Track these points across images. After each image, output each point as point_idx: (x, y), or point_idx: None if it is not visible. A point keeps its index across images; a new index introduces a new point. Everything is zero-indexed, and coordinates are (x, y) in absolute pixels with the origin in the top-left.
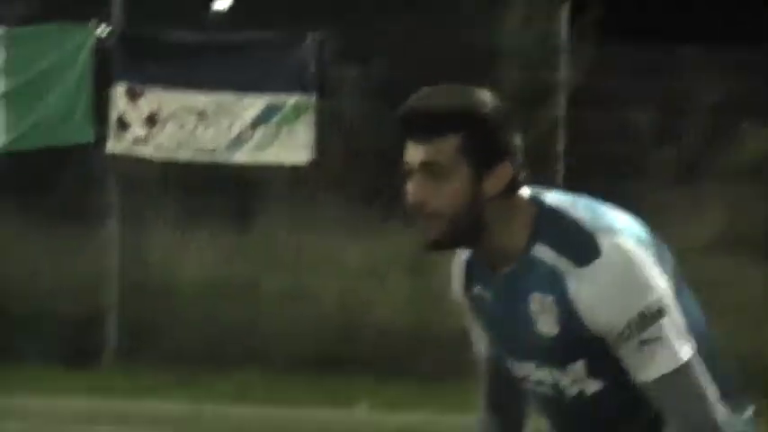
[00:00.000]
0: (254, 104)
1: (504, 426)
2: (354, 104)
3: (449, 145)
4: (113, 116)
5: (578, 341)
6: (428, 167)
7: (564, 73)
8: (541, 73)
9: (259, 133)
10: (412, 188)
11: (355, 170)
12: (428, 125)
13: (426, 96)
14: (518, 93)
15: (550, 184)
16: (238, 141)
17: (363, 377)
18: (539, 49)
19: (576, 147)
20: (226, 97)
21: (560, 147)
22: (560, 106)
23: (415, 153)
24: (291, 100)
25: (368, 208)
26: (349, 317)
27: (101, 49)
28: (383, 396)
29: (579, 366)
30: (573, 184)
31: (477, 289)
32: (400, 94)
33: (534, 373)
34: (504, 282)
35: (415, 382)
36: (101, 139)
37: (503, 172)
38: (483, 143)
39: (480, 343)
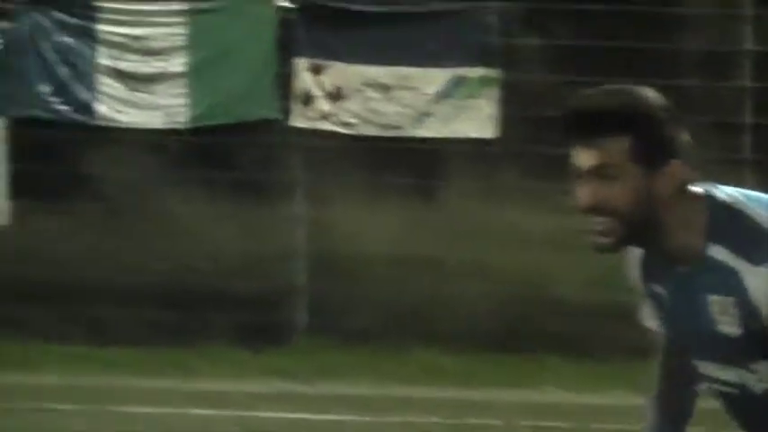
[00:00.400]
0: (437, 78)
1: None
2: (535, 75)
3: (618, 147)
4: (297, 91)
5: (762, 340)
6: (598, 171)
7: (749, 42)
8: (727, 43)
9: (443, 107)
10: (583, 192)
11: (537, 141)
12: (595, 129)
13: (590, 99)
14: (703, 63)
15: (737, 155)
16: (423, 115)
17: (548, 356)
18: (723, 19)
19: (764, 117)
20: (409, 71)
21: (747, 118)
22: (746, 76)
23: (584, 157)
24: (476, 73)
25: (551, 180)
26: (533, 292)
27: (280, 21)
28: (570, 376)
29: (765, 365)
30: (760, 156)
31: (653, 286)
32: (581, 62)
33: (717, 373)
34: (681, 282)
35: (600, 362)
36: (283, 114)
37: (673, 170)
38: (651, 143)
39: (651, 321)
